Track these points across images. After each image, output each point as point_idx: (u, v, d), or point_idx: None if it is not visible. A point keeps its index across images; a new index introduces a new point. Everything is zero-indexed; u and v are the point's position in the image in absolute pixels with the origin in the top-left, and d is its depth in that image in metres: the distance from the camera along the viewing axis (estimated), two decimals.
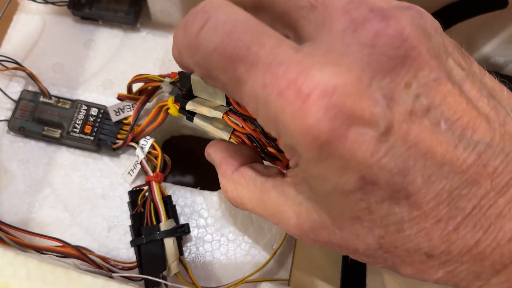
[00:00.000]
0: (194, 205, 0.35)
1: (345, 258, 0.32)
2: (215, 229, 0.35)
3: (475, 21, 0.35)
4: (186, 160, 0.51)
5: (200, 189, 0.36)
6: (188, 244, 0.34)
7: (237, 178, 0.25)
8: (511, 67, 0.37)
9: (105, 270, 0.30)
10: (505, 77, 0.37)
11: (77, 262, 0.29)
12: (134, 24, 0.38)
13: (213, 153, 0.28)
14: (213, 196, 0.36)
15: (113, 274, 0.31)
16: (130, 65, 0.38)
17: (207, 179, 0.39)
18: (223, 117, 0.29)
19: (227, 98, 0.30)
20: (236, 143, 0.31)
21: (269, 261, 0.33)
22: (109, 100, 0.37)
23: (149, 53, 0.39)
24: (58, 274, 0.21)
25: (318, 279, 0.32)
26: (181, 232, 0.32)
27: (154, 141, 0.35)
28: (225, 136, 0.31)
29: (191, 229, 0.35)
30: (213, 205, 0.35)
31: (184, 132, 0.42)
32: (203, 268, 0.34)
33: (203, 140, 0.38)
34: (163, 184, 0.36)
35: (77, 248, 0.31)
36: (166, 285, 0.31)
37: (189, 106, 0.30)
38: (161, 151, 0.34)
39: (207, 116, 0.30)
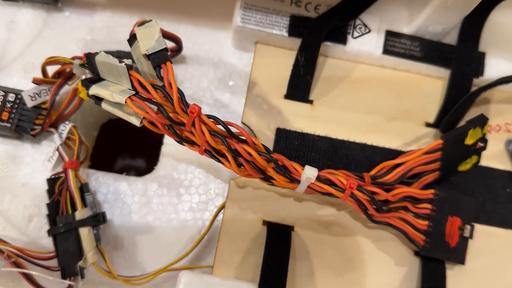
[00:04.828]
0: (118, 192, 0.34)
1: (269, 244, 0.31)
2: (139, 216, 0.34)
3: None
4: (134, 142, 0.50)
5: (126, 175, 0.35)
6: (112, 232, 0.33)
7: None
8: (454, 35, 0.34)
9: (15, 261, 0.30)
10: (447, 46, 0.34)
11: None
12: (55, 3, 0.36)
13: None
14: (138, 182, 0.34)
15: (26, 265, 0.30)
16: (53, 47, 0.36)
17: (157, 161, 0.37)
18: (126, 102, 0.28)
19: (132, 81, 0.29)
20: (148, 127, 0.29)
21: (193, 248, 0.32)
22: (31, 85, 0.35)
23: (72, 33, 0.37)
24: None
25: (241, 265, 0.31)
26: (97, 221, 0.31)
27: (73, 126, 0.33)
28: (136, 122, 0.29)
29: (114, 216, 0.33)
30: (138, 191, 0.34)
31: None
32: (127, 257, 0.33)
33: None
34: (87, 170, 0.34)
35: None
36: (82, 275, 0.30)
37: (92, 90, 0.28)
38: (79, 136, 0.33)
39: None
